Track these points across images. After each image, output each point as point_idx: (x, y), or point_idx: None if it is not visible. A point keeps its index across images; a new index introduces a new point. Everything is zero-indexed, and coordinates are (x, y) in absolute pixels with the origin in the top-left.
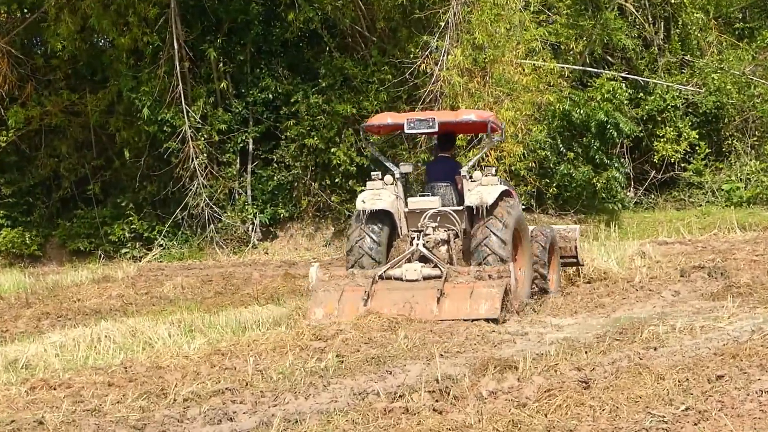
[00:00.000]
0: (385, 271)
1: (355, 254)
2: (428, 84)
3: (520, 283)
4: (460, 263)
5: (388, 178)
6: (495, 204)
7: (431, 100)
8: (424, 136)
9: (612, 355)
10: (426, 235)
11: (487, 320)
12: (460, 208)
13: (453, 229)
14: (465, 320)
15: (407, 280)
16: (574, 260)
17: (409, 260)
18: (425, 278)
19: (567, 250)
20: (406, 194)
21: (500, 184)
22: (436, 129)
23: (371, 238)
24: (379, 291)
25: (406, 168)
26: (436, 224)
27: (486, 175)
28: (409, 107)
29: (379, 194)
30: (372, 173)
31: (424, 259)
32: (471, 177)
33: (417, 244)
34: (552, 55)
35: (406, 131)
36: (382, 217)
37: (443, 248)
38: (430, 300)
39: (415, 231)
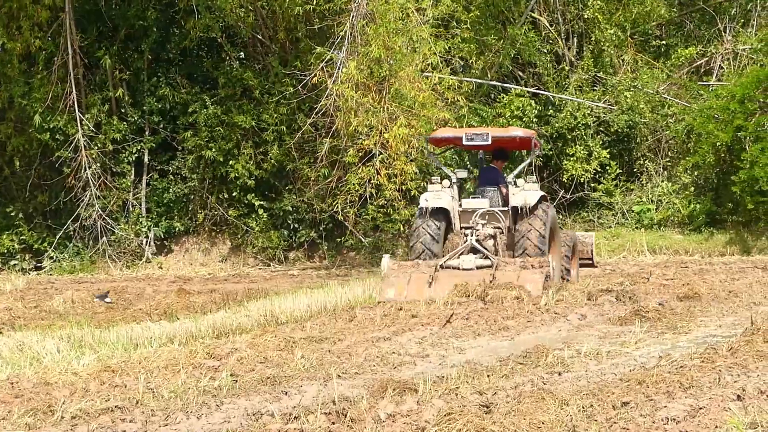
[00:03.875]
0: (445, 261)
1: (418, 247)
2: (322, 97)
3: (554, 272)
4: (504, 255)
5: (445, 182)
6: (535, 206)
7: (324, 113)
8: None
9: (515, 380)
10: (476, 231)
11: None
12: (506, 208)
13: (499, 227)
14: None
15: (463, 269)
16: (590, 262)
17: (463, 252)
18: (478, 267)
19: (584, 253)
20: (461, 196)
21: (539, 191)
22: (489, 142)
23: (431, 230)
24: (440, 277)
25: (462, 174)
26: (485, 222)
27: (528, 182)
28: (310, 120)
29: (438, 195)
30: (432, 177)
31: (475, 251)
32: (515, 184)
33: (470, 239)
34: (455, 70)
35: (463, 143)
36: (440, 213)
37: (490, 242)
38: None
39: (467, 227)
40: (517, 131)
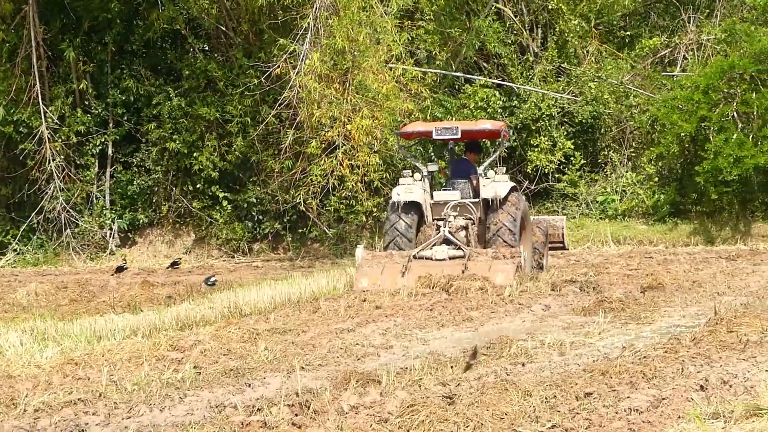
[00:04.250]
0: (418, 252)
1: (391, 237)
2: (286, 89)
3: (526, 262)
4: (476, 246)
5: (417, 175)
6: (506, 197)
7: (287, 105)
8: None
9: (478, 371)
10: (449, 222)
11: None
12: (477, 200)
13: (471, 218)
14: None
15: (436, 260)
16: (561, 245)
17: (436, 243)
18: (451, 258)
19: (555, 237)
20: (432, 188)
21: (509, 182)
22: (459, 136)
23: (404, 223)
24: (413, 267)
25: (433, 167)
26: (457, 213)
27: (498, 173)
28: (274, 111)
29: (410, 188)
30: (404, 171)
31: (448, 242)
32: (486, 175)
33: (443, 231)
34: (419, 61)
35: (434, 137)
36: (412, 207)
37: (462, 233)
38: (456, 273)
39: (439, 219)
40: (486, 124)
